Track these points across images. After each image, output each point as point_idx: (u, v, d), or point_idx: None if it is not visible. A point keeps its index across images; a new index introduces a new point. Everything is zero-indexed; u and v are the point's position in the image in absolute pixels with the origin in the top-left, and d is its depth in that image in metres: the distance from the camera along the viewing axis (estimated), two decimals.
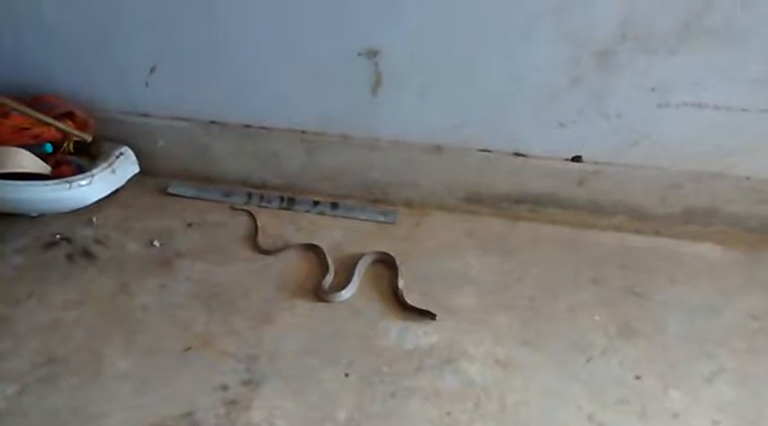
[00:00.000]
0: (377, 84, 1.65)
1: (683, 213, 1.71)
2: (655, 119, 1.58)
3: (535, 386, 1.34)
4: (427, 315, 1.48)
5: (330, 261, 1.60)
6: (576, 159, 1.68)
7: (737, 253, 1.66)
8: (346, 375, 1.35)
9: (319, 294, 1.53)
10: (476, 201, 1.79)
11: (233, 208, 1.79)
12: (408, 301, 1.50)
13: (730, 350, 1.41)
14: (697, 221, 1.71)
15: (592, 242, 1.70)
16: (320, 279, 1.56)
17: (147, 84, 1.76)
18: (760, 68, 1.46)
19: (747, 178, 1.62)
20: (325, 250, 1.64)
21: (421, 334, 1.44)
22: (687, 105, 1.54)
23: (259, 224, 1.73)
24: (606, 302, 1.53)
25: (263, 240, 1.68)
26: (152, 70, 1.73)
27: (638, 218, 1.74)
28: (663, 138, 1.61)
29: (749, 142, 1.58)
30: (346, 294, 1.53)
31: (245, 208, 1.79)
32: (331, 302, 1.52)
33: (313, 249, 1.66)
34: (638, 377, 1.35)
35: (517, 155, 1.70)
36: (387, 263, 1.62)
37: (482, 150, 1.70)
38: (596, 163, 1.68)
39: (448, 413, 1.28)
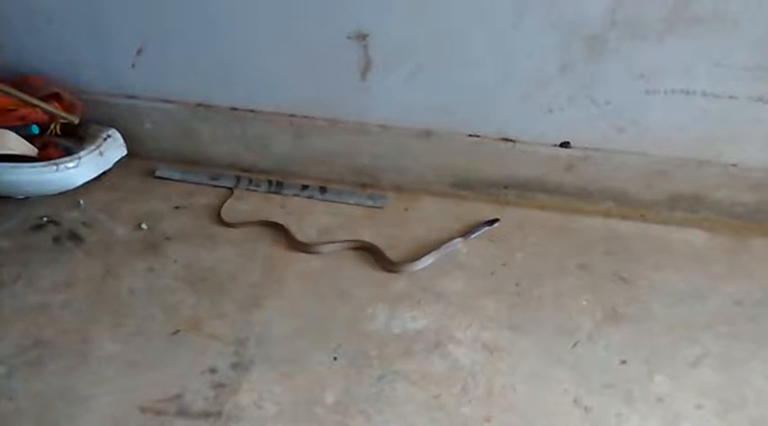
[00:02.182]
0: (366, 67, 1.64)
1: (669, 199, 1.72)
2: (643, 106, 1.58)
3: (522, 370, 1.35)
4: (490, 223, 1.67)
5: (292, 231, 1.64)
6: (565, 145, 1.68)
7: (723, 240, 1.68)
8: (335, 358, 1.35)
9: (302, 247, 1.60)
10: (464, 186, 1.79)
11: (214, 186, 1.80)
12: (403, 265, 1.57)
13: (715, 335, 1.42)
14: (684, 207, 1.72)
15: (579, 227, 1.71)
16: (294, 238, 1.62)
17: (133, 66, 1.74)
18: (748, 56, 1.47)
19: (734, 165, 1.63)
20: (286, 225, 1.66)
21: (409, 318, 1.44)
22: (675, 92, 1.55)
23: (228, 201, 1.75)
24: (593, 287, 1.53)
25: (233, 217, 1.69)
26: (139, 52, 1.72)
27: (626, 204, 1.74)
28: (651, 125, 1.61)
29: (736, 129, 1.58)
30: (326, 249, 1.59)
31: (226, 186, 1.81)
32: (312, 253, 1.58)
33: (276, 227, 1.67)
34: (623, 362, 1.37)
35: (506, 140, 1.70)
36: (369, 250, 1.62)
37: (471, 135, 1.70)
38: (584, 149, 1.68)
39: (435, 397, 1.28)
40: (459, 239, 1.64)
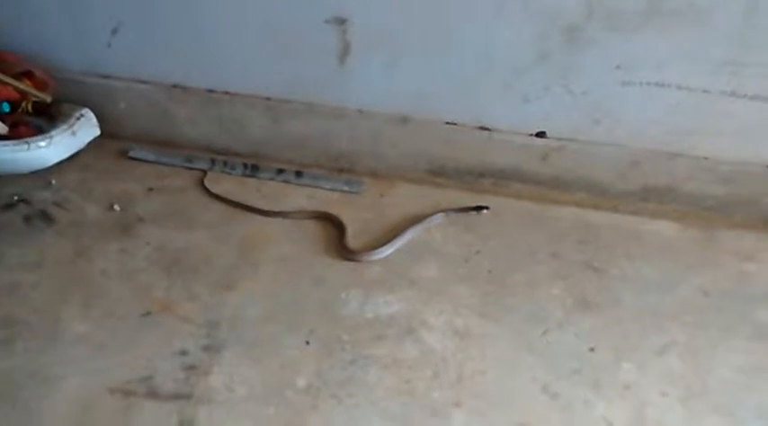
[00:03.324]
0: (344, 52, 1.64)
1: (641, 191, 1.74)
2: (618, 97, 1.60)
3: (492, 357, 1.36)
4: (478, 209, 1.68)
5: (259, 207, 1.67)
6: (540, 135, 1.69)
7: (693, 231, 1.70)
8: (307, 342, 1.35)
9: (269, 213, 1.64)
10: (440, 174, 1.80)
11: (189, 168, 1.80)
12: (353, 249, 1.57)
13: (681, 324, 1.45)
14: (655, 199, 1.74)
15: (553, 217, 1.72)
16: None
17: (109, 45, 1.72)
18: (721, 50, 1.49)
19: (705, 158, 1.65)
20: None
21: (382, 304, 1.45)
22: (650, 84, 1.56)
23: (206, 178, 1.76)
24: (564, 276, 1.55)
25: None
26: (114, 31, 1.69)
27: (599, 195, 1.76)
28: (625, 116, 1.63)
29: (708, 123, 1.60)
30: (298, 216, 1.65)
31: (200, 168, 1.79)
32: (277, 217, 1.65)
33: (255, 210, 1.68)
34: (592, 349, 1.39)
35: (482, 128, 1.70)
36: (333, 223, 1.64)
37: (448, 123, 1.71)
38: (560, 139, 1.69)
39: (406, 381, 1.29)
40: (440, 214, 1.66)
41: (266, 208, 1.67)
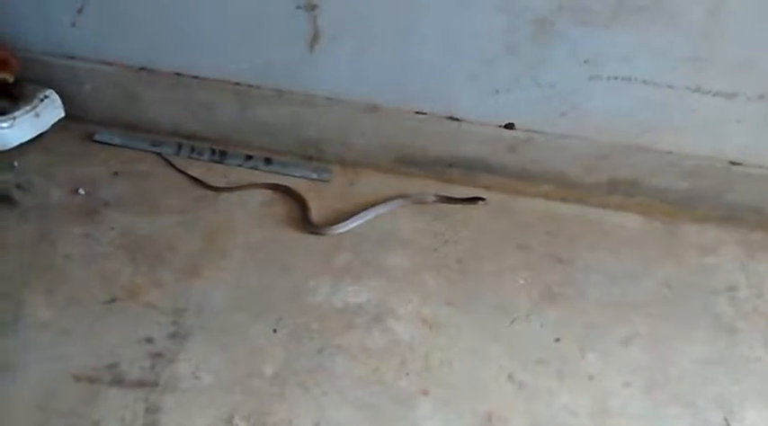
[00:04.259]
0: (314, 38, 1.62)
1: (607, 184, 1.76)
2: (585, 91, 1.61)
3: (459, 346, 1.37)
4: (474, 200, 1.69)
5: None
6: (509, 126, 1.70)
7: (657, 224, 1.73)
8: (275, 331, 1.35)
9: (211, 189, 1.67)
10: (409, 163, 1.80)
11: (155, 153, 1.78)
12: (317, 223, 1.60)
13: (645, 315, 1.48)
14: (620, 192, 1.77)
15: (520, 208, 1.74)
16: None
17: (74, 25, 1.68)
18: (686, 47, 1.51)
19: (669, 152, 1.68)
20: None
21: (350, 293, 1.45)
22: (617, 79, 1.58)
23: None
24: (531, 267, 1.57)
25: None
26: (80, 10, 1.65)
27: (565, 187, 1.78)
28: (592, 110, 1.64)
29: (673, 118, 1.63)
30: (249, 188, 1.69)
31: (161, 153, 1.77)
32: (226, 192, 1.66)
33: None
34: (557, 340, 1.41)
35: (452, 119, 1.71)
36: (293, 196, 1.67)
37: (418, 112, 1.71)
38: (528, 131, 1.70)
39: (374, 370, 1.30)
40: (432, 196, 1.70)
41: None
